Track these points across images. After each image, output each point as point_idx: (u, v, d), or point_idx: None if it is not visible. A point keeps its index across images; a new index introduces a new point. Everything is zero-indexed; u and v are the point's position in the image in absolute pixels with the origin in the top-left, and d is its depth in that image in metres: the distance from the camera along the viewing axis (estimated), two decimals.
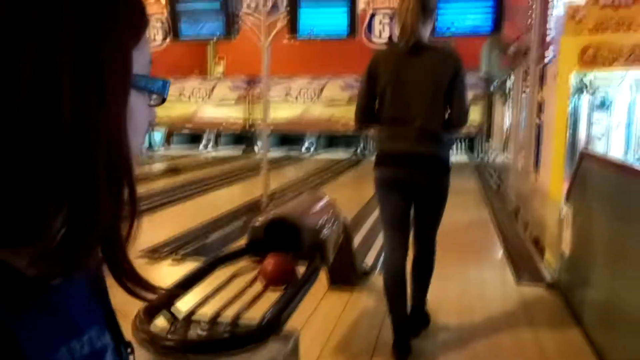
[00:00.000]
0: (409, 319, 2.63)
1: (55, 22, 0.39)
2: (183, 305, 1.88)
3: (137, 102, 0.46)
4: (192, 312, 1.85)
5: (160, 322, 1.80)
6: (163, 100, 0.51)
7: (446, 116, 2.46)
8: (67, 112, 0.39)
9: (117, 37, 0.43)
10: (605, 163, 2.96)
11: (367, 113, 2.52)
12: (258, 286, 2.05)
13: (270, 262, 1.92)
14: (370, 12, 5.57)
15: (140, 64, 0.46)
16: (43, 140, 0.38)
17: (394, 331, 2.54)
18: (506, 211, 6.08)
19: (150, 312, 1.78)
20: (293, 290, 1.76)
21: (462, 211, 5.33)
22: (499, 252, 4.46)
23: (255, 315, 1.93)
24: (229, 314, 1.83)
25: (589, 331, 2.77)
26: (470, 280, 3.64)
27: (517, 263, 4.03)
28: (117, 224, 0.45)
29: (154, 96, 0.50)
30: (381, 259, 4.18)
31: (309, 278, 1.91)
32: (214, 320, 1.79)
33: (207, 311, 1.86)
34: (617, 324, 2.49)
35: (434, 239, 2.63)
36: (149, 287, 0.49)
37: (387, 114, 2.46)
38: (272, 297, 1.95)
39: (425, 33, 2.41)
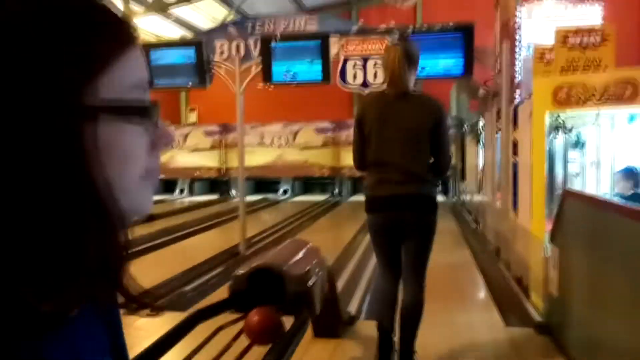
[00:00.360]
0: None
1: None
2: None
3: (113, 129, 0.45)
4: None
5: None
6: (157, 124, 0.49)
7: (430, 161, 2.57)
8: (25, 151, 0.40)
9: (61, 70, 0.41)
10: (588, 200, 2.96)
11: (363, 157, 2.63)
12: (243, 341, 1.93)
13: (255, 318, 1.80)
14: (342, 57, 5.64)
15: (114, 87, 0.45)
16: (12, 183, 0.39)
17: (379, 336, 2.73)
18: (486, 251, 6.06)
19: None
20: (281, 349, 1.64)
21: (443, 252, 5.27)
22: (484, 294, 4.40)
23: None
24: None
25: None
26: (458, 325, 3.54)
27: (503, 305, 3.97)
28: (109, 264, 0.45)
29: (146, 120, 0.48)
30: (365, 304, 4.09)
31: (297, 333, 1.80)
32: None
33: None
34: None
35: (422, 284, 2.65)
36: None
37: (372, 157, 2.57)
38: (258, 353, 1.83)
39: (411, 81, 2.53)
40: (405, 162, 2.51)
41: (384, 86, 2.66)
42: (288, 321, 2.04)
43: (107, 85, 0.45)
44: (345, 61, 5.60)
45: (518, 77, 6.42)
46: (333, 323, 3.25)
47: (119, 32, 0.48)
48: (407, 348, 2.67)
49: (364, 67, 5.54)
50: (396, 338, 2.72)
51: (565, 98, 3.83)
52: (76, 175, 0.42)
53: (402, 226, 2.57)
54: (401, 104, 2.52)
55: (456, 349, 3.12)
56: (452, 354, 3.03)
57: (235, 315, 2.13)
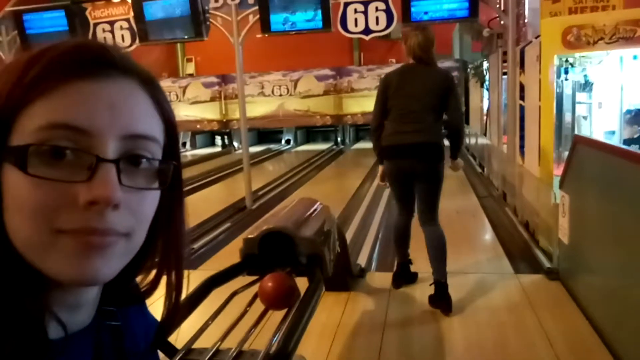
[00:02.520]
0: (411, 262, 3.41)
1: None
2: (181, 334, 1.76)
3: (13, 176, 0.43)
4: (191, 343, 1.72)
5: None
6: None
7: (444, 117, 3.11)
8: None
9: None
10: (599, 146, 2.90)
11: (380, 116, 3.14)
12: (258, 306, 1.93)
13: (269, 284, 1.79)
14: (342, 2, 5.43)
15: (22, 130, 0.43)
16: None
17: (397, 265, 3.42)
18: (492, 195, 6.06)
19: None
20: (298, 315, 1.64)
21: (449, 197, 5.26)
22: (493, 241, 4.42)
23: (259, 340, 1.81)
24: (231, 341, 1.71)
25: (593, 317, 2.73)
26: (468, 272, 3.57)
27: (512, 251, 3.99)
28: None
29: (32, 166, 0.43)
30: (375, 256, 4.13)
31: (312, 299, 1.79)
32: (215, 351, 1.67)
33: (208, 339, 1.74)
34: (621, 309, 2.44)
35: (436, 220, 3.12)
36: None
37: (392, 115, 3.09)
38: (275, 318, 1.84)
39: (428, 57, 3.05)
40: (421, 115, 3.01)
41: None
42: (300, 282, 2.05)
43: (19, 128, 0.43)
44: (345, 6, 5.40)
45: (525, 18, 6.21)
46: (344, 277, 3.28)
47: (40, 70, 0.44)
48: (439, 277, 3.02)
49: (365, 12, 5.34)
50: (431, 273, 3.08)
51: (574, 40, 3.70)
52: None
53: (414, 172, 3.06)
54: (421, 69, 3.05)
55: (466, 298, 3.16)
56: (462, 303, 3.07)
57: (248, 279, 2.14)
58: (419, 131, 3.01)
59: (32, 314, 0.44)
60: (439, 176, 3.08)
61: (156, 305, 0.65)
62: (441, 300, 2.99)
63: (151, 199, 0.49)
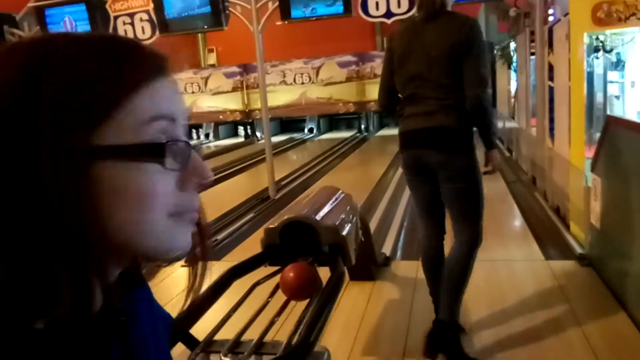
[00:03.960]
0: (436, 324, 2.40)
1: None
2: (202, 325, 1.73)
3: (123, 170, 0.44)
4: (212, 335, 1.69)
5: (179, 348, 1.66)
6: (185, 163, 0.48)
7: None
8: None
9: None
10: (633, 127, 2.77)
11: (387, 93, 2.37)
12: (280, 297, 1.90)
13: (290, 275, 1.76)
14: None
15: (125, 127, 0.44)
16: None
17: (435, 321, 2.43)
18: (521, 180, 5.91)
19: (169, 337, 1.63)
20: (319, 306, 1.60)
21: None
22: (522, 226, 4.31)
23: (281, 331, 1.78)
24: (252, 332, 1.68)
25: (627, 304, 2.63)
26: (497, 260, 3.48)
27: (542, 237, 3.87)
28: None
29: (170, 160, 0.46)
30: (400, 244, 4.05)
31: (334, 289, 1.75)
32: (236, 342, 1.64)
33: (229, 330, 1.71)
34: None
35: (470, 233, 2.30)
36: None
37: (401, 88, 2.31)
38: (297, 309, 1.80)
39: (440, 2, 2.20)
40: (434, 91, 2.19)
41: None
42: (322, 272, 2.01)
43: (115, 125, 0.44)
44: None
45: None
46: (368, 266, 3.23)
47: (134, 68, 0.47)
48: (448, 317, 2.32)
49: None
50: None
51: (605, 16, 3.54)
52: (76, 218, 0.42)
53: (430, 166, 2.26)
54: (429, 28, 2.20)
55: (495, 286, 3.07)
56: (492, 291, 2.98)
57: (270, 270, 2.10)
58: (431, 113, 2.20)
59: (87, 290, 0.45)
60: (468, 173, 2.23)
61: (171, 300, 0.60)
62: (446, 344, 2.32)
63: None
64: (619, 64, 4.35)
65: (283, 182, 6.73)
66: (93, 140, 0.43)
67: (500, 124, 9.33)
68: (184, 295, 0.63)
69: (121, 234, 0.46)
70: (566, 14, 4.06)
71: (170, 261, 0.53)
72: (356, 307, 2.93)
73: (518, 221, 4.53)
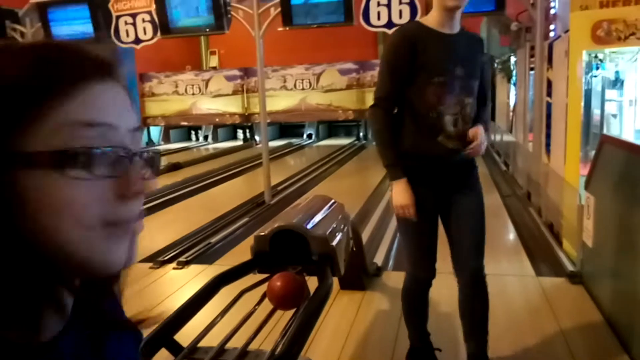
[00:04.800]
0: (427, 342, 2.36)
1: None
2: (187, 331, 1.72)
3: (46, 178, 0.43)
4: (197, 341, 1.69)
5: (163, 354, 1.65)
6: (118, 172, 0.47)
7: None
8: None
9: None
10: (627, 147, 2.78)
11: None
12: (266, 305, 1.89)
13: (277, 284, 1.75)
14: None
15: (49, 135, 0.43)
16: None
17: (411, 351, 2.36)
18: (517, 195, 5.92)
19: (152, 344, 1.62)
20: (304, 317, 1.59)
21: None
22: (515, 241, 4.30)
23: (265, 340, 1.77)
24: (237, 340, 1.67)
25: (615, 323, 2.63)
26: (488, 274, 3.46)
27: (534, 253, 3.87)
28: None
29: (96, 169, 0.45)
30: (392, 254, 4.04)
31: (321, 300, 1.75)
32: (220, 350, 1.63)
33: (214, 338, 1.71)
34: None
35: (475, 267, 2.25)
36: None
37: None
38: (283, 318, 1.80)
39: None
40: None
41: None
42: (311, 282, 2.00)
43: (41, 131, 0.43)
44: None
45: (553, 10, 6.04)
46: (359, 276, 3.22)
47: (65, 73, 0.45)
48: (480, 351, 2.25)
49: (389, 5, 5.24)
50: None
51: (605, 35, 3.56)
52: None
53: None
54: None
55: None
56: None
57: (258, 277, 2.10)
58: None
59: (31, 312, 0.46)
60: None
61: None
62: None
63: None
64: (617, 83, 4.37)
65: (279, 187, 6.73)
66: (15, 147, 0.42)
67: (498, 137, 9.35)
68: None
69: (51, 245, 0.44)
70: (567, 31, 4.08)
71: (108, 276, 0.50)
72: (345, 317, 2.92)
73: (511, 236, 4.53)
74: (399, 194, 2.09)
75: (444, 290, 2.50)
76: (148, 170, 0.50)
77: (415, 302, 2.31)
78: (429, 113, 2.02)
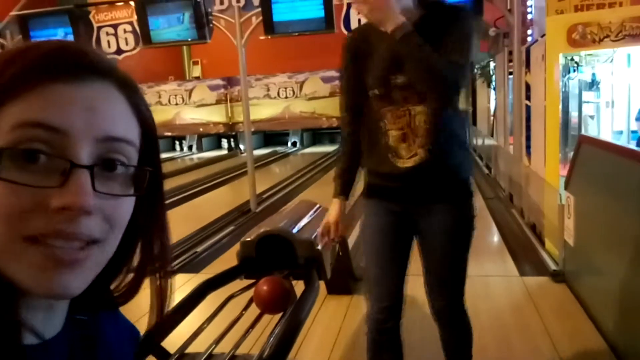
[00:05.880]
0: None
1: None
2: (175, 337, 1.73)
3: None
4: (185, 347, 1.69)
5: None
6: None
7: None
8: None
9: None
10: (605, 146, 2.85)
11: None
12: (254, 310, 1.90)
13: (264, 289, 1.77)
14: (346, 2, 5.40)
15: None
16: None
17: None
18: (499, 197, 5.99)
19: (139, 351, 1.62)
20: (291, 320, 1.61)
21: None
22: (498, 242, 4.36)
23: (253, 345, 1.78)
24: (225, 345, 1.68)
25: (598, 321, 2.68)
26: (472, 275, 3.50)
27: (517, 253, 3.93)
28: None
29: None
30: None
31: (308, 303, 1.76)
32: (208, 356, 1.64)
33: (202, 343, 1.71)
34: (626, 312, 2.38)
35: (455, 301, 2.05)
36: None
37: None
38: (270, 322, 1.81)
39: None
40: None
41: None
42: (298, 286, 2.02)
43: None
44: (349, 6, 5.36)
45: (530, 15, 6.16)
46: (346, 280, 3.24)
47: (13, 72, 0.42)
48: None
49: None
50: None
51: (580, 38, 3.64)
52: None
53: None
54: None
55: (469, 300, 3.09)
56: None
57: (245, 283, 2.11)
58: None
59: (7, 318, 0.43)
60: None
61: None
62: None
63: (126, 205, 0.48)
64: (593, 85, 4.46)
65: (265, 195, 6.73)
66: None
67: (479, 142, 9.46)
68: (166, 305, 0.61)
69: None
70: (543, 35, 4.17)
71: (51, 298, 0.46)
72: (333, 321, 2.94)
73: (494, 237, 4.59)
74: (329, 211, 2.03)
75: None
76: (113, 186, 0.45)
77: (377, 343, 1.93)
78: (375, 129, 1.79)
